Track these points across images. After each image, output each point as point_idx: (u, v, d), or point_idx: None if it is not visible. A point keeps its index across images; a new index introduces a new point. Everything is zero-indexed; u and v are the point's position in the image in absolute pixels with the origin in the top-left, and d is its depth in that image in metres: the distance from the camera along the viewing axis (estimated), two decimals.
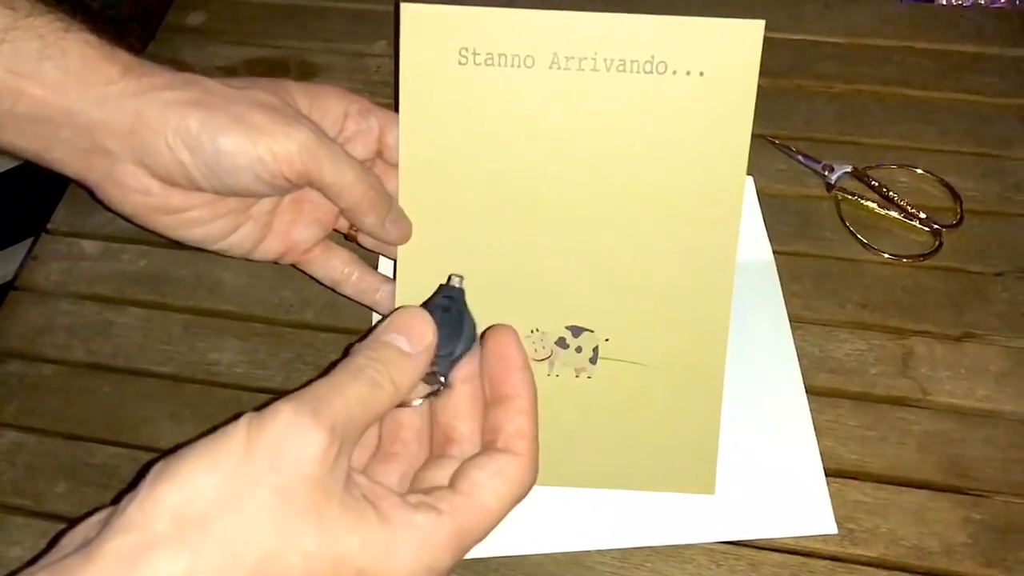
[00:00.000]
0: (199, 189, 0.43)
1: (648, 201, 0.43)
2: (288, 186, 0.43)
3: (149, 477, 0.30)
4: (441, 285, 0.41)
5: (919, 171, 0.55)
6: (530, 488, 0.35)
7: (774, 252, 0.52)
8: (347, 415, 0.32)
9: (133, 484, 0.30)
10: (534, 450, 0.35)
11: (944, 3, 0.65)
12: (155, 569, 0.28)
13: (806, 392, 0.48)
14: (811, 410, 0.47)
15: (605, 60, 0.41)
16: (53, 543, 0.31)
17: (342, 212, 0.45)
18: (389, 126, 0.46)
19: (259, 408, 0.31)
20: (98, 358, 0.51)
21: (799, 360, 0.49)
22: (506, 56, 0.41)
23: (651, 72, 0.41)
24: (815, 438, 0.46)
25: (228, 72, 0.62)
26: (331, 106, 0.45)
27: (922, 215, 0.53)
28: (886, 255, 0.52)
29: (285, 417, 0.31)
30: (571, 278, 0.44)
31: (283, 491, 0.30)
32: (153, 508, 0.29)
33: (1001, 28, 0.62)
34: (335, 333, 0.51)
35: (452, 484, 0.34)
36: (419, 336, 0.36)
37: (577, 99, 0.42)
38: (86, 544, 0.29)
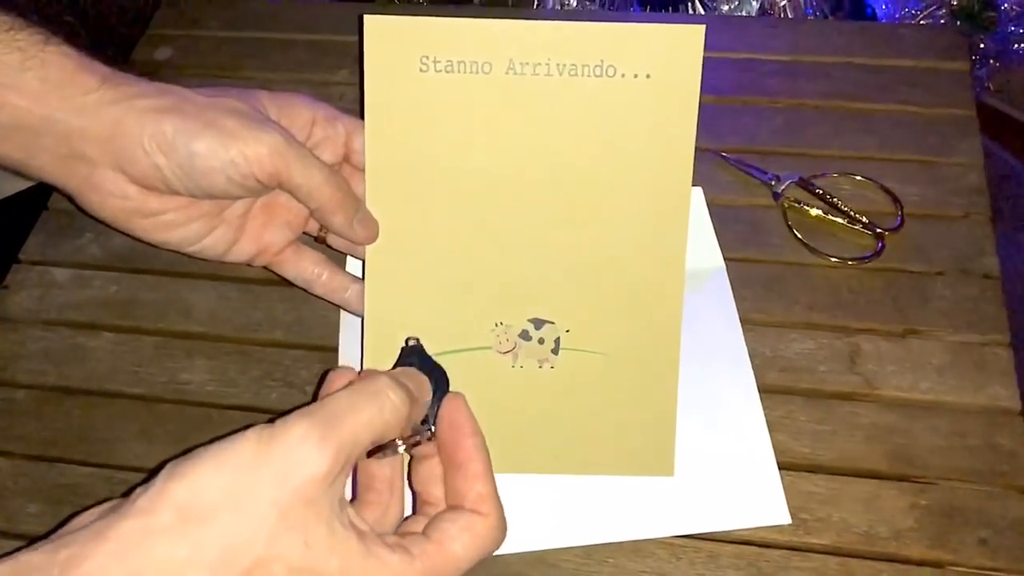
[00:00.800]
0: (175, 192, 0.44)
1: (602, 197, 0.45)
2: (259, 188, 0.44)
3: (162, 473, 0.31)
4: (403, 349, 0.41)
5: (861, 178, 0.57)
6: (498, 546, 0.36)
7: (725, 259, 0.54)
8: (355, 439, 0.33)
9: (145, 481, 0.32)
10: (499, 509, 0.37)
11: (881, 21, 0.68)
12: (156, 553, 0.30)
13: (759, 390, 0.49)
14: (764, 407, 0.48)
15: (558, 65, 0.43)
16: None
17: (312, 213, 0.46)
18: (355, 131, 0.47)
19: (271, 420, 0.33)
20: (71, 382, 0.52)
21: (751, 360, 0.50)
22: (465, 63, 0.43)
23: (601, 75, 0.43)
24: (768, 433, 0.48)
25: None
26: (299, 113, 0.47)
27: (865, 220, 0.55)
28: (832, 259, 0.54)
29: (297, 433, 0.32)
30: (532, 272, 0.45)
31: (280, 505, 0.31)
32: (161, 500, 0.30)
33: (934, 43, 0.63)
34: (303, 350, 0.52)
35: (425, 532, 0.36)
36: (425, 390, 0.38)
37: (533, 102, 0.43)
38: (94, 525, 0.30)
